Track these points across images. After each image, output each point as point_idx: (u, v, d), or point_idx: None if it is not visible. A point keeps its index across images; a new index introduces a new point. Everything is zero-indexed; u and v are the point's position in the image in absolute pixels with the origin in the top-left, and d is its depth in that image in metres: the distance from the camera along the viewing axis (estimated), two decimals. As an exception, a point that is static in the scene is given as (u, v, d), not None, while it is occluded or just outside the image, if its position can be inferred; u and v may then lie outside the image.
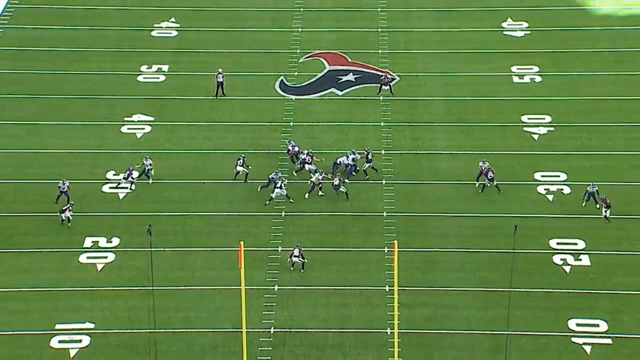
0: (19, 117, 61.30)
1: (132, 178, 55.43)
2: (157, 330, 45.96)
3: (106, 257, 51.12)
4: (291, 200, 54.27)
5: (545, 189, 55.61)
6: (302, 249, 50.26)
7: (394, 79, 64.89)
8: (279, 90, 64.28)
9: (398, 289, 43.26)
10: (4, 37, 69.26)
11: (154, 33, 70.05)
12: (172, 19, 71.43)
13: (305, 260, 50.01)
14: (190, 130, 60.50)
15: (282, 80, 65.18)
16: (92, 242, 51.99)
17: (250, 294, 46.54)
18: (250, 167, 55.90)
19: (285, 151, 57.66)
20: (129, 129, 60.54)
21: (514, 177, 56.12)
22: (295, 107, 62.60)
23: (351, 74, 65.78)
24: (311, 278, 49.78)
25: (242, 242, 42.01)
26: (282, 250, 51.46)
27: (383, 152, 58.51)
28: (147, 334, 46.02)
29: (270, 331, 46.93)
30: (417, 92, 63.95)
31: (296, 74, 65.79)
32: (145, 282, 47.93)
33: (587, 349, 46.06)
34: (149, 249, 47.16)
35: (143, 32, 70.02)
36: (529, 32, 69.84)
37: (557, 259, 50.94)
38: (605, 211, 52.78)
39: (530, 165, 57.33)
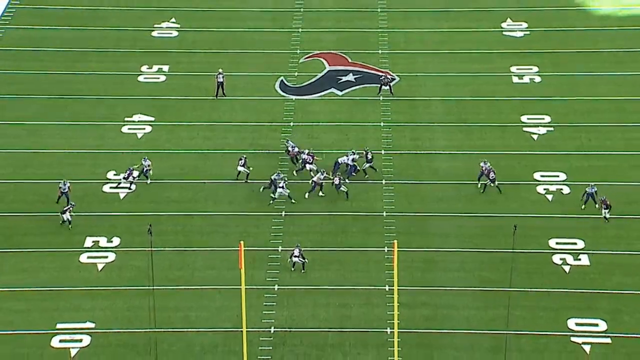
0: (19, 117, 61.38)
1: (133, 178, 55.52)
2: (157, 330, 46.02)
3: (107, 257, 51.21)
4: (293, 201, 54.35)
5: (544, 189, 55.69)
6: (302, 248, 50.33)
7: (394, 79, 64.98)
8: (279, 91, 64.36)
9: (398, 289, 43.29)
10: (5, 37, 69.33)
11: (154, 33, 70.14)
12: (173, 19, 71.52)
13: (306, 260, 50.08)
14: (190, 130, 60.59)
15: (282, 80, 65.27)
16: (93, 241, 52.08)
17: (250, 293, 46.56)
18: (251, 168, 55.96)
19: (284, 151, 57.77)
20: (129, 129, 60.63)
21: (513, 177, 56.19)
22: (295, 107, 62.68)
23: (351, 74, 65.87)
24: (311, 278, 49.86)
25: (242, 242, 42.05)
26: (282, 250, 51.55)
27: (383, 152, 58.59)
28: (147, 334, 46.10)
29: (270, 331, 47.01)
30: (417, 92, 64.02)
31: (296, 74, 65.87)
32: (145, 282, 48.07)
33: (587, 348, 46.12)
34: (150, 249, 47.25)
35: (143, 32, 70.09)
36: (528, 33, 69.91)
37: (556, 258, 51.01)
38: (605, 212, 52.81)
39: (530, 165, 57.39)
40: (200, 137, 59.96)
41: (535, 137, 59.85)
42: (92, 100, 63.03)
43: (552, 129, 60.40)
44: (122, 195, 55.27)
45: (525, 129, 60.43)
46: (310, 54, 67.98)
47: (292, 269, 50.06)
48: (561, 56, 67.28)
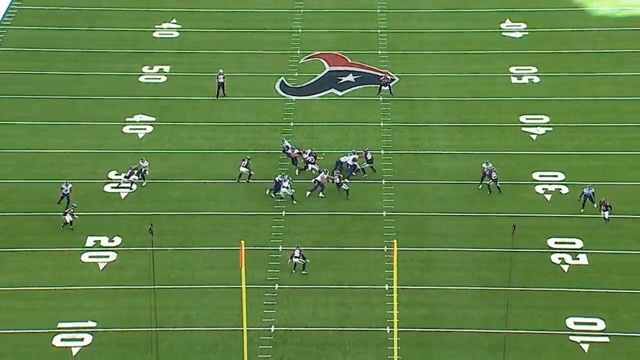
0: (21, 118, 61.48)
1: (134, 178, 55.61)
2: (158, 329, 46.08)
3: (108, 256, 51.35)
4: (294, 202, 54.52)
5: (543, 189, 55.82)
6: (303, 248, 50.43)
7: (394, 79, 65.13)
8: (279, 91, 64.50)
9: (397, 288, 43.43)
10: (7, 38, 69.40)
11: (155, 34, 70.26)
12: (174, 20, 71.64)
13: (307, 260, 50.18)
14: (191, 131, 60.73)
15: (282, 80, 65.41)
16: (94, 241, 52.22)
17: (250, 292, 46.61)
18: (253, 172, 56.03)
19: (282, 151, 57.89)
20: (130, 129, 60.78)
21: (512, 177, 56.29)
22: (295, 107, 62.82)
23: (351, 74, 66.01)
24: (311, 277, 49.98)
25: (242, 242, 42.23)
26: (282, 249, 51.71)
27: (382, 152, 58.75)
28: (148, 333, 46.17)
29: (270, 330, 47.15)
30: (417, 92, 64.13)
31: (296, 74, 65.99)
32: (146, 281, 48.18)
33: (585, 347, 46.25)
34: (151, 248, 47.40)
35: (144, 33, 70.19)
36: (527, 33, 70.02)
37: (555, 258, 51.14)
38: (605, 213, 52.86)
39: (529, 165, 57.49)
40: (201, 137, 60.09)
41: (534, 137, 59.99)
42: (94, 101, 63.16)
43: (550, 129, 60.54)
44: (123, 195, 55.43)
45: (524, 129, 60.56)
46: (311, 55, 68.13)
47: (293, 271, 50.15)
48: (560, 57, 67.40)
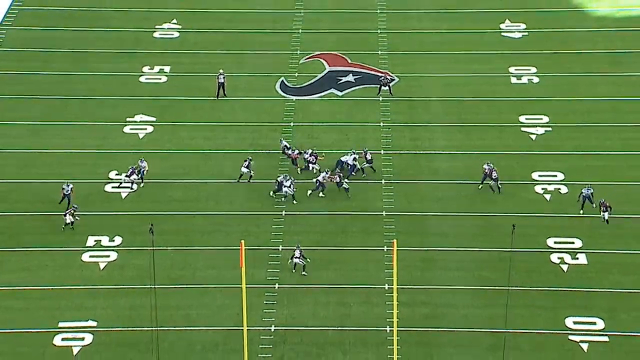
0: (22, 118, 61.60)
1: (134, 177, 55.69)
2: (159, 329, 46.16)
3: (108, 256, 51.43)
4: (294, 202, 54.65)
5: (542, 189, 55.92)
6: (303, 248, 50.50)
7: (393, 79, 65.25)
8: (279, 91, 64.61)
9: (397, 288, 43.51)
10: (8, 38, 69.53)
11: (155, 34, 70.39)
12: (174, 20, 71.77)
13: (308, 260, 50.20)
14: (191, 131, 60.83)
15: (282, 81, 65.53)
16: (95, 241, 52.30)
17: (251, 292, 46.70)
18: (254, 172, 56.11)
19: (281, 151, 57.99)
20: (131, 129, 60.89)
21: (512, 176, 56.37)
22: (295, 107, 62.94)
23: (351, 74, 66.13)
24: (311, 277, 50.05)
25: (243, 241, 42.34)
26: (282, 249, 51.81)
27: (382, 152, 58.86)
28: (149, 332, 46.23)
29: (270, 329, 47.23)
30: (416, 92, 64.25)
31: (296, 74, 66.11)
32: (147, 281, 48.27)
33: (584, 346, 46.32)
34: (151, 248, 47.50)
35: (145, 33, 70.33)
36: (526, 34, 70.17)
37: (554, 257, 51.23)
38: (605, 214, 52.81)
39: (528, 165, 57.60)
40: (201, 137, 60.19)
41: (533, 137, 60.11)
42: (94, 101, 63.28)
43: (550, 129, 60.65)
44: (123, 195, 55.55)
45: (523, 129, 60.68)
46: (311, 55, 68.25)
47: (293, 270, 50.21)
48: (559, 57, 67.52)
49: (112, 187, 56.03)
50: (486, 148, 59.04)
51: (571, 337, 46.77)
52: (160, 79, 65.62)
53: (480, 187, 55.66)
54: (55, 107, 62.69)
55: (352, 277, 50.22)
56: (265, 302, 48.66)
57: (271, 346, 46.44)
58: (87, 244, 52.07)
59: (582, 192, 53.92)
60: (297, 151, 57.23)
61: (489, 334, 46.89)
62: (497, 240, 51.83)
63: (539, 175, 56.93)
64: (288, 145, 57.84)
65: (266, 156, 58.21)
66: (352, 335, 47.02)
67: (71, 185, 54.21)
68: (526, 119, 61.52)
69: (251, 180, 56.17)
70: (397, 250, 42.68)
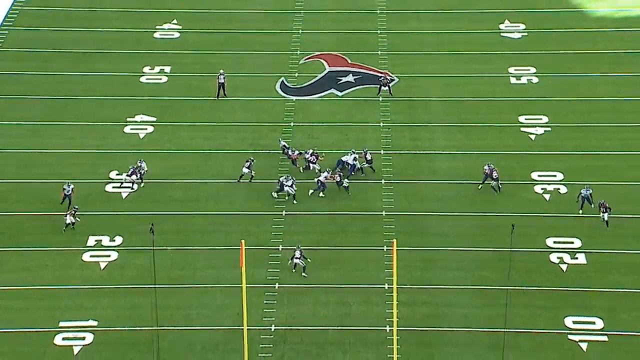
0: (23, 118, 61.67)
1: (134, 177, 55.77)
2: (159, 328, 46.29)
3: (109, 256, 51.53)
4: (294, 202, 54.76)
5: (542, 189, 56.00)
6: (303, 247, 50.58)
7: (393, 79, 65.36)
8: (279, 91, 64.70)
9: (397, 287, 43.62)
10: (9, 38, 69.60)
11: (156, 34, 70.48)
12: (174, 21, 71.86)
13: (308, 260, 50.26)
14: (191, 131, 60.93)
15: (282, 81, 65.62)
16: (95, 240, 52.40)
17: (251, 292, 46.86)
18: (255, 172, 56.18)
19: (281, 152, 58.06)
20: (131, 129, 60.98)
21: (511, 176, 56.45)
22: (295, 107, 63.04)
23: (351, 75, 66.23)
24: (311, 276, 50.13)
25: (243, 241, 42.49)
26: (282, 249, 51.91)
27: (382, 152, 58.96)
28: (149, 332, 46.37)
29: (270, 329, 47.32)
30: (416, 92, 64.34)
31: (296, 75, 66.21)
32: (147, 281, 48.36)
33: (584, 346, 46.42)
34: (152, 248, 47.59)
35: (145, 33, 70.41)
36: (526, 34, 70.25)
37: (554, 257, 51.32)
38: (604, 215, 52.73)
39: (528, 165, 57.69)
40: (201, 137, 60.29)
41: (532, 137, 60.20)
42: (95, 101, 63.38)
43: (549, 129, 60.74)
44: (124, 195, 55.66)
45: (523, 129, 60.76)
46: (311, 55, 68.35)
47: (293, 270, 50.26)
48: (558, 57, 67.60)
49: (113, 187, 56.13)
50: (486, 148, 59.15)
51: (571, 337, 46.85)
52: (160, 79, 65.71)
53: (480, 187, 55.75)
54: (55, 107, 62.79)
55: (352, 277, 50.32)
56: (265, 301, 48.75)
57: (271, 346, 46.52)
58: (88, 244, 52.17)
59: (581, 193, 53.99)
60: (297, 152, 57.32)
61: (488, 334, 46.97)
62: (496, 240, 51.90)
63: (539, 175, 57.02)
64: (287, 145, 57.93)
65: (266, 156, 58.29)
66: (352, 334, 47.10)
67: (72, 186, 54.29)
68: (526, 119, 61.62)
69: (252, 181, 56.25)
70: (397, 250, 42.84)
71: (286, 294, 49.23)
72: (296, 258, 50.14)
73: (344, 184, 55.40)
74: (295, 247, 50.56)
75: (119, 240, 52.44)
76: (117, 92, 64.13)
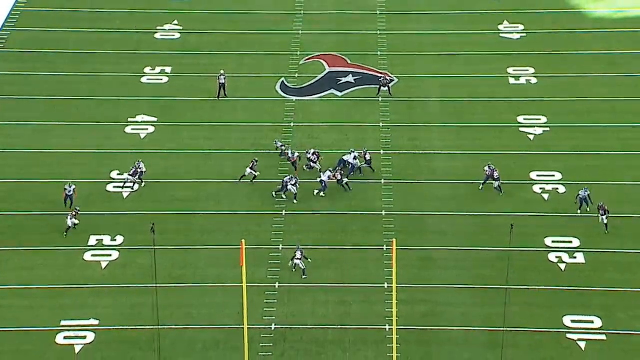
0: (24, 118, 61.80)
1: (138, 176, 56.01)
2: (160, 327, 46.43)
3: (110, 255, 51.68)
4: (295, 201, 54.96)
5: (540, 189, 56.14)
6: (303, 247, 50.72)
7: (393, 80, 65.54)
8: (279, 92, 64.84)
9: (396, 286, 43.82)
10: (11, 39, 69.67)
11: (157, 35, 70.59)
12: (175, 22, 71.98)
13: (309, 260, 50.38)
14: (192, 131, 61.07)
15: (282, 81, 65.77)
16: (97, 240, 52.56)
17: (251, 291, 47.08)
18: (258, 173, 56.40)
19: (279, 153, 58.20)
20: (132, 129, 61.14)
21: (510, 176, 56.54)
22: (295, 108, 63.18)
23: (351, 75, 66.38)
24: (311, 276, 50.27)
25: (243, 240, 42.57)
26: (283, 248, 52.09)
27: (382, 152, 59.12)
28: (150, 330, 46.49)
29: (271, 327, 47.47)
30: (415, 93, 64.45)
31: (297, 75, 66.39)
32: (148, 280, 48.49)
33: (582, 345, 46.57)
34: (153, 247, 47.67)
35: (147, 34, 70.51)
36: (524, 35, 70.35)
37: (552, 256, 51.47)
38: (603, 217, 52.71)
39: (527, 165, 57.82)
40: (202, 138, 60.41)
41: (531, 137, 60.36)
42: (96, 101, 63.51)
43: (548, 129, 60.88)
44: (125, 195, 55.86)
45: (521, 129, 60.88)
46: (311, 56, 68.51)
47: (294, 270, 50.40)
48: (557, 58, 67.69)
49: (114, 187, 56.31)
50: (485, 148, 59.30)
51: (569, 336, 46.98)
52: (161, 79, 65.85)
53: (481, 188, 55.86)
54: (57, 107, 62.88)
55: (351, 276, 50.49)
56: (265, 300, 48.91)
57: (271, 344, 46.65)
58: (89, 243, 52.32)
59: (579, 194, 54.11)
60: (296, 154, 57.46)
61: (487, 332, 47.12)
62: (495, 240, 52.04)
63: (537, 175, 57.19)
64: (284, 146, 58.00)
65: (266, 156, 58.38)
66: (352, 333, 47.24)
67: (73, 186, 54.41)
68: (524, 119, 61.77)
69: (253, 181, 56.45)
70: (397, 249, 42.94)
71: (286, 293, 49.37)
72: (297, 259, 50.28)
73: (345, 181, 55.61)
74: (295, 247, 50.74)
75: (120, 239, 52.60)
76: (118, 93, 64.27)
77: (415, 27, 71.52)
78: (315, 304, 48.89)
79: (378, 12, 73.25)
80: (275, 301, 48.97)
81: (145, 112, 62.50)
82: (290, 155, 57.35)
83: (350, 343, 46.83)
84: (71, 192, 54.17)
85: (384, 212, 54.53)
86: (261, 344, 46.59)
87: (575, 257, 51.44)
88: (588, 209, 53.91)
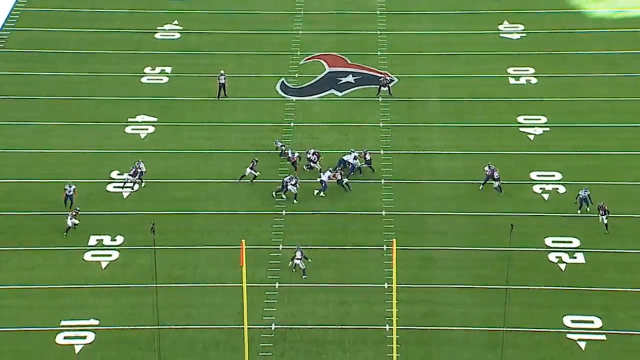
0: (25, 118, 61.89)
1: (139, 176, 56.09)
2: (160, 327, 46.48)
3: (110, 255, 51.76)
4: (295, 201, 55.04)
5: (540, 189, 56.22)
6: (303, 247, 50.80)
7: (393, 80, 65.61)
8: (280, 92, 64.92)
9: (396, 286, 43.88)
10: (11, 39, 69.77)
11: (157, 35, 70.68)
12: (175, 22, 72.08)
13: (309, 260, 50.44)
14: (192, 131, 61.15)
15: (283, 81, 65.85)
16: (97, 240, 52.63)
17: (251, 291, 47.13)
18: (258, 173, 56.47)
19: (279, 154, 58.27)
20: (133, 129, 61.22)
21: (510, 176, 56.60)
22: (295, 108, 63.25)
23: (350, 75, 66.46)
24: (311, 276, 50.33)
25: (243, 240, 42.63)
26: (283, 248, 52.16)
27: (382, 152, 59.19)
28: (150, 330, 46.55)
29: (271, 327, 47.54)
30: (415, 93, 64.53)
31: (297, 75, 66.47)
32: (148, 280, 48.54)
33: (582, 344, 46.64)
34: (153, 247, 47.72)
35: (147, 34, 70.61)
36: (524, 35, 70.44)
37: (552, 256, 51.54)
38: (603, 217, 52.73)
39: (526, 165, 57.91)
40: (202, 138, 60.49)
41: (531, 137, 60.45)
42: (96, 101, 63.58)
43: (548, 129, 60.96)
44: (125, 195, 55.93)
45: (521, 129, 60.96)
46: (311, 56, 68.59)
47: (294, 270, 50.47)
48: (557, 58, 67.78)
49: (114, 187, 56.38)
50: (485, 148, 59.38)
51: (569, 336, 47.05)
52: (161, 79, 65.94)
53: (481, 188, 55.92)
54: (57, 107, 62.96)
55: (351, 276, 50.56)
56: (265, 300, 48.98)
57: (271, 344, 46.72)
58: (89, 243, 52.40)
59: (579, 194, 54.17)
60: (296, 154, 57.49)
61: (487, 332, 47.19)
62: (495, 240, 52.12)
63: (537, 175, 57.26)
64: (284, 146, 58.03)
65: (266, 156, 58.43)
66: (352, 333, 47.31)
67: (73, 186, 54.47)
68: (524, 119, 61.85)
69: (253, 181, 56.51)
70: (397, 249, 43.01)
71: (286, 293, 49.44)
72: (297, 259, 50.33)
73: (345, 180, 55.69)
74: (295, 247, 50.80)
75: (120, 239, 52.67)
76: (118, 93, 64.36)
77: (415, 27, 71.61)
78: (315, 304, 48.95)
79: (378, 12, 73.34)
80: (275, 301, 49.03)
81: (145, 112, 62.58)
82: (290, 155, 57.40)
83: (350, 343, 46.89)
84: (71, 192, 54.23)
85: (384, 212, 54.59)
86: (261, 344, 46.65)
87: (575, 257, 51.53)
88: (588, 209, 53.96)
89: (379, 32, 70.93)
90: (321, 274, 50.62)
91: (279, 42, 69.73)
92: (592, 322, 47.76)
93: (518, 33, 70.72)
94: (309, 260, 50.64)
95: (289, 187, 54.80)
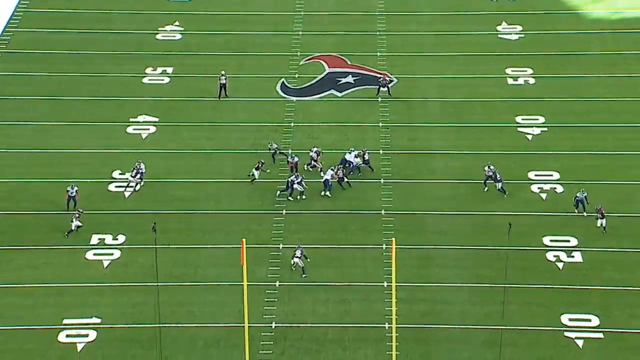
0: (27, 118, 62.01)
1: (139, 176, 56.33)
2: (161, 325, 46.68)
3: (112, 254, 51.91)
4: (304, 197, 55.11)
5: (539, 188, 56.35)
6: (303, 245, 50.94)
7: (392, 80, 65.77)
8: (280, 92, 65.07)
9: (396, 285, 43.98)
10: (13, 39, 69.88)
11: (158, 36, 70.81)
12: (176, 23, 72.22)
13: (308, 260, 50.60)
14: (193, 131, 61.29)
15: (283, 82, 66.00)
16: (99, 239, 52.77)
17: (252, 289, 47.13)
18: (265, 171, 56.66)
19: (272, 154, 58.47)
20: (134, 129, 61.39)
21: (508, 176, 56.64)
22: (295, 108, 63.39)
23: (350, 75, 66.60)
24: (311, 274, 50.47)
25: (244, 240, 42.69)
26: (283, 247, 52.34)
27: (381, 152, 59.36)
28: (152, 329, 46.71)
29: (271, 326, 47.68)
30: (415, 93, 64.63)
31: (297, 76, 66.62)
32: (150, 278, 48.72)
33: (580, 343, 46.78)
34: (154, 246, 47.92)
35: (148, 35, 70.70)
36: (523, 35, 70.55)
37: (550, 255, 51.67)
38: (602, 221, 52.85)
39: (525, 164, 58.05)
40: (203, 138, 60.60)
41: (529, 137, 60.62)
42: (98, 102, 63.70)
43: (546, 129, 61.10)
44: (127, 194, 56.17)
45: (520, 129, 61.08)
46: (311, 56, 68.77)
47: (293, 268, 50.65)
48: (555, 58, 67.87)
49: (116, 187, 56.58)
50: (483, 148, 59.51)
51: (567, 334, 47.16)
52: (162, 80, 66.07)
53: (486, 189, 55.87)
54: (59, 107, 63.09)
55: (351, 275, 50.70)
56: (266, 299, 49.13)
57: (272, 342, 46.84)
58: (91, 243, 52.52)
59: (576, 196, 54.24)
60: (296, 158, 57.58)
61: (485, 331, 47.29)
62: (493, 239, 52.20)
63: (535, 175, 57.40)
64: (278, 148, 58.16)
65: (267, 156, 58.32)
66: (352, 331, 47.41)
67: (76, 188, 54.53)
68: (522, 119, 62.00)
69: (254, 181, 56.76)
70: (396, 248, 43.09)
71: (286, 292, 49.58)
72: (296, 257, 50.55)
73: (345, 179, 55.95)
74: (295, 246, 51.04)
75: (121, 238, 52.82)
76: (120, 93, 64.49)
77: (415, 28, 71.74)
78: (316, 302, 49.11)
79: (377, 13, 73.45)
80: (276, 300, 49.19)
81: (147, 112, 62.73)
82: (289, 159, 57.45)
83: (350, 341, 47.02)
84: (74, 193, 54.36)
85: (383, 212, 54.75)
86: (262, 342, 46.78)
87: (573, 256, 51.65)
88: (585, 214, 54.00)
89: (378, 33, 71.05)
90: (321, 272, 50.75)
91: (279, 43, 69.85)
92: (589, 320, 47.86)
93: (516, 34, 70.86)
94: (308, 259, 50.81)
95: (295, 185, 54.99)
